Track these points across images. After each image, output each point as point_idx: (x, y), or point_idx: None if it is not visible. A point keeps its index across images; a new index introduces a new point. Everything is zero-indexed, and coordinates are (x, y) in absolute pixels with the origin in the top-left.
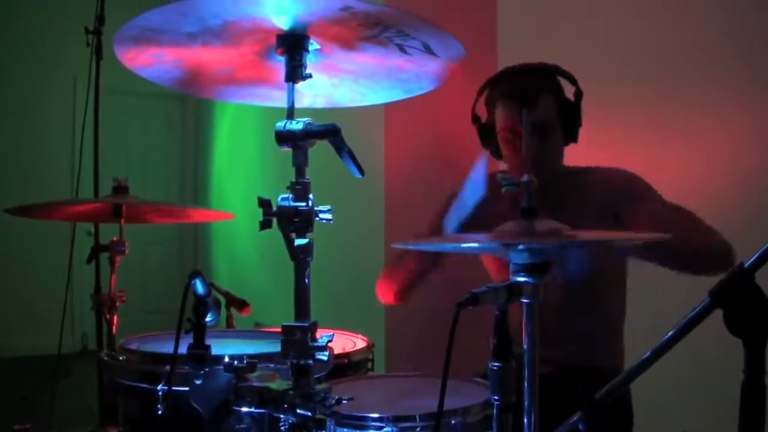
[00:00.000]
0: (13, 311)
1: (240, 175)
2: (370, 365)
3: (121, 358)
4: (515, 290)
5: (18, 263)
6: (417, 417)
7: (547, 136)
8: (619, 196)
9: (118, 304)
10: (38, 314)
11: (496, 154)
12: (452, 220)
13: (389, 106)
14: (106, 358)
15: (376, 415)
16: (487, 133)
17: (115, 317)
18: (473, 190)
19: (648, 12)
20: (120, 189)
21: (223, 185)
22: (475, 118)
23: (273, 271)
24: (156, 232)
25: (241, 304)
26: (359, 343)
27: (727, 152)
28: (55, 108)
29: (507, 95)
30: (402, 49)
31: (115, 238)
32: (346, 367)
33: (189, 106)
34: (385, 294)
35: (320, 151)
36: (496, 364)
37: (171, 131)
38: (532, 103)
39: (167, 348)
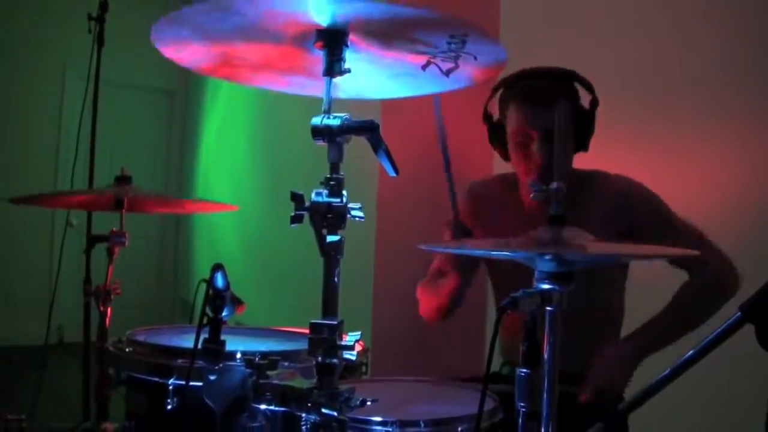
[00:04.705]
0: None
1: (226, 171)
2: (364, 369)
3: (128, 350)
4: (547, 297)
5: None
6: (422, 423)
7: (561, 143)
8: (629, 207)
9: (112, 296)
10: (13, 304)
11: (504, 155)
12: None
13: (387, 105)
14: (112, 349)
15: (379, 419)
16: (496, 133)
17: (109, 309)
18: None
19: (650, 35)
20: (123, 179)
21: (208, 181)
22: (487, 117)
23: (255, 269)
24: (138, 226)
25: (236, 302)
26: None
27: (721, 169)
28: (42, 97)
29: (522, 98)
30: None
31: (114, 229)
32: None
33: (177, 101)
34: (429, 312)
35: (316, 150)
36: (524, 370)
37: (158, 125)
38: (546, 106)
39: (175, 341)
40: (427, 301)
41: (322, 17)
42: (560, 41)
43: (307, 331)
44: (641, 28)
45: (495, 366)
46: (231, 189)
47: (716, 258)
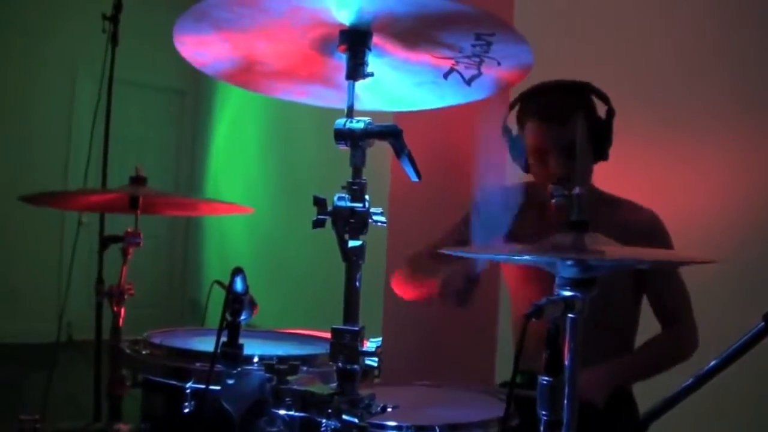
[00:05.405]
0: None
1: (237, 172)
2: (377, 372)
3: (144, 352)
4: (570, 304)
5: (4, 250)
6: (437, 428)
7: (581, 157)
8: (643, 236)
9: (126, 297)
10: (22, 302)
11: (524, 168)
12: (481, 233)
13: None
14: (128, 351)
15: (394, 424)
16: (516, 147)
17: (123, 310)
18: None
19: (652, 36)
20: (138, 179)
21: (218, 181)
22: (506, 130)
23: (265, 270)
24: (147, 225)
25: (252, 305)
26: None
27: (721, 170)
28: (53, 96)
29: (537, 114)
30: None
31: (129, 229)
32: None
33: (188, 101)
34: (407, 292)
35: (327, 151)
36: (547, 378)
37: (169, 125)
38: (562, 123)
39: (192, 344)
40: (409, 283)
41: (345, 15)
42: (564, 47)
43: (320, 333)
44: (643, 31)
45: (507, 375)
46: (242, 189)
47: (689, 325)
